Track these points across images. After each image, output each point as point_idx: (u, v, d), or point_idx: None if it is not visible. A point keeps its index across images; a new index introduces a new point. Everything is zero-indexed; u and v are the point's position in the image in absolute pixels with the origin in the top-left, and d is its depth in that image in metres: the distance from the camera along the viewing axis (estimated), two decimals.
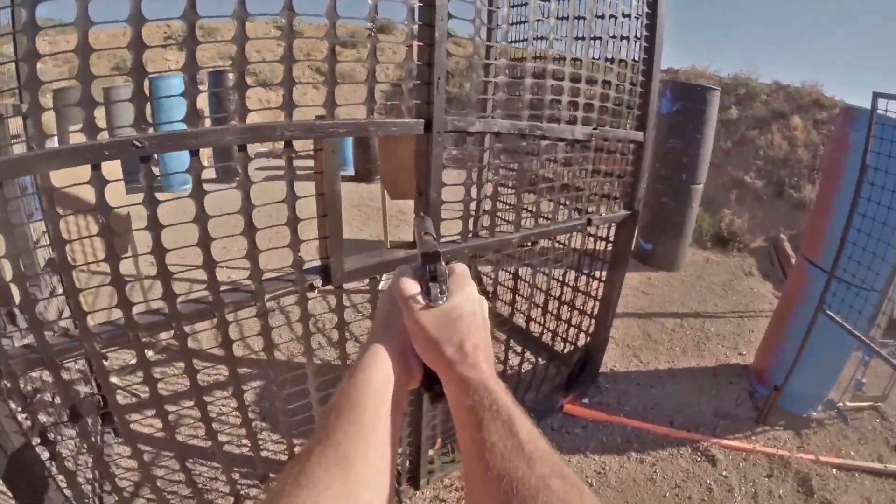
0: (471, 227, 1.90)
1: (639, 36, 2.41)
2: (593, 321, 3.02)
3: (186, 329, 1.43)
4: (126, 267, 1.32)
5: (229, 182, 7.38)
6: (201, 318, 1.44)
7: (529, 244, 2.10)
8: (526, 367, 2.77)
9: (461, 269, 0.65)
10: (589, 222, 2.36)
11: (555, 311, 2.79)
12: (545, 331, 3.01)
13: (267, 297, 1.51)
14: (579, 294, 2.87)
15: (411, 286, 0.61)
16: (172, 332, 1.40)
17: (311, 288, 1.59)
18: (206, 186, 1.34)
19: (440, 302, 0.59)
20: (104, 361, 1.37)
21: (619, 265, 2.89)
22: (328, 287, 1.66)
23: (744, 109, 7.90)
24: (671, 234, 4.90)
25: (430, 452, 2.42)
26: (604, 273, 2.90)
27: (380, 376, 0.55)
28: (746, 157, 7.37)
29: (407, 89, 1.58)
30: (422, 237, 0.68)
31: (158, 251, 1.33)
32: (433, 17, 1.54)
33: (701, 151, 4.72)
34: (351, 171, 7.99)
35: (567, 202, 2.28)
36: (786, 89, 8.08)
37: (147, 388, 1.46)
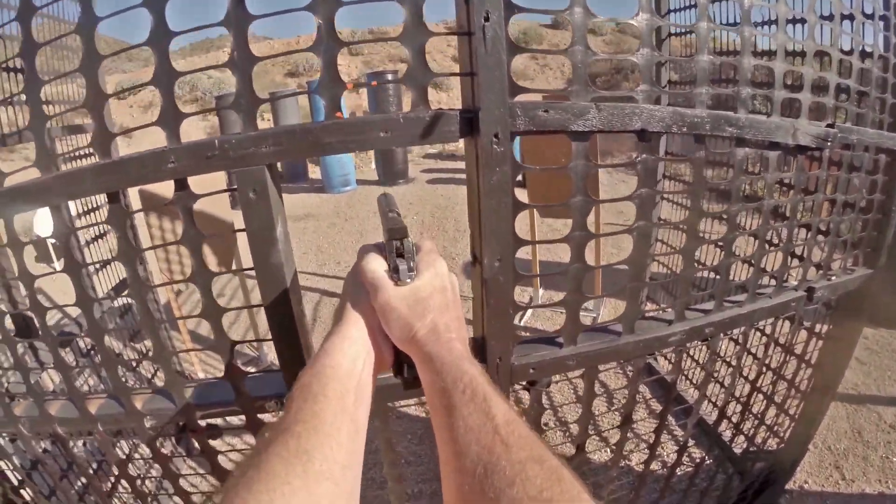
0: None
1: None
2: (791, 423, 1.79)
3: None
4: None
5: (393, 183, 7.39)
6: None
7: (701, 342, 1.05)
8: (681, 462, 1.66)
9: (429, 245, 0.59)
10: (810, 295, 1.21)
11: (734, 392, 1.60)
12: (719, 414, 1.82)
13: None
14: (773, 374, 1.65)
15: (378, 265, 0.55)
16: None
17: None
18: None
19: (408, 280, 0.53)
20: None
21: (841, 350, 1.64)
22: None
23: None
24: None
25: None
26: (815, 352, 1.66)
27: (345, 362, 0.49)
28: None
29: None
30: (386, 214, 0.60)
31: None
32: None
33: None
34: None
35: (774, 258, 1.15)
36: None
37: None
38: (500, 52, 0.73)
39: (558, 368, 0.93)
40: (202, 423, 0.91)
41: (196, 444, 0.93)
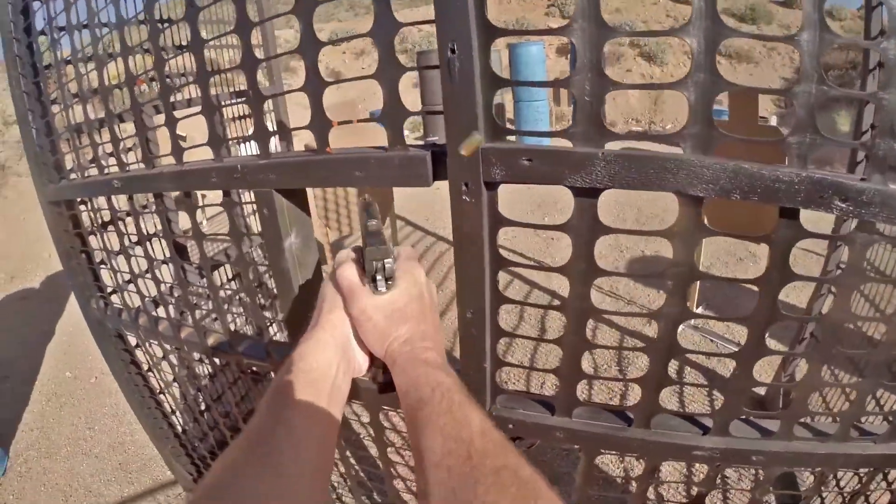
0: None
1: None
2: None
3: None
4: None
5: None
6: None
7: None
8: None
9: (407, 252, 0.59)
10: None
11: None
12: None
13: None
14: None
15: (354, 272, 0.54)
16: None
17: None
18: None
19: (384, 289, 0.52)
20: None
21: None
22: None
23: None
24: None
25: None
26: None
27: (319, 367, 0.49)
28: None
29: None
30: (366, 221, 0.59)
31: None
32: None
33: None
34: None
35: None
36: None
37: None
38: (471, 90, 0.61)
39: (543, 435, 0.81)
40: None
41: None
